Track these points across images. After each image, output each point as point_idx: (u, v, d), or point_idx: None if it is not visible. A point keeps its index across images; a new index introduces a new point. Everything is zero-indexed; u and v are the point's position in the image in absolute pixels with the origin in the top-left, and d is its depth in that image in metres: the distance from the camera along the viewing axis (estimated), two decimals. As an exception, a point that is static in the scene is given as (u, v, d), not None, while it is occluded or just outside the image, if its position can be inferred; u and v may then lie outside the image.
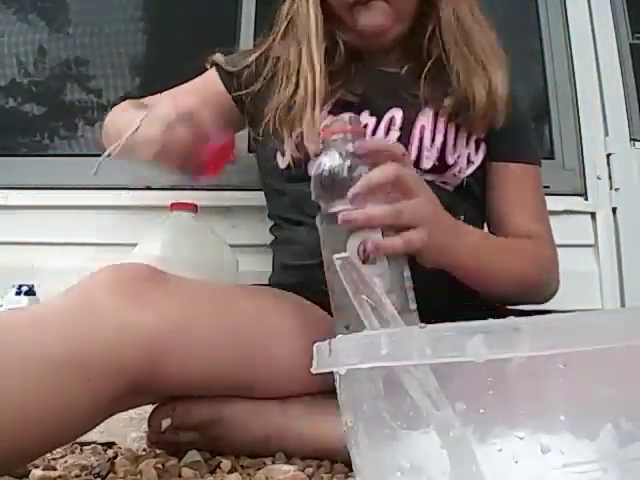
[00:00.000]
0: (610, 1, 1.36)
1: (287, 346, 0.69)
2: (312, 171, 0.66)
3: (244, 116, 0.96)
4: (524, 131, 0.95)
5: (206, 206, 1.11)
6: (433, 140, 0.84)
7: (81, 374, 0.53)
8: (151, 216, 1.12)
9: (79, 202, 1.22)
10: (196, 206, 1.05)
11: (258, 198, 1.18)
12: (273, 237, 0.99)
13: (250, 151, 1.26)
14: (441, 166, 0.84)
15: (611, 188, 1.27)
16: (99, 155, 1.41)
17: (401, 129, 0.85)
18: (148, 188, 1.24)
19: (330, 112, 0.84)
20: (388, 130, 0.85)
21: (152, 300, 0.60)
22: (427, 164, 0.84)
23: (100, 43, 1.41)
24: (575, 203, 1.25)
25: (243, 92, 0.93)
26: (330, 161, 0.63)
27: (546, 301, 0.87)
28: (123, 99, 1.42)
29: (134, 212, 1.20)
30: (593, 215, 1.25)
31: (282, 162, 0.87)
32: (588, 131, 1.30)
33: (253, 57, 0.93)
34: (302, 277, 0.84)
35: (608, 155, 1.28)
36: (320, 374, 0.36)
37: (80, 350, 0.53)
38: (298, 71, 0.85)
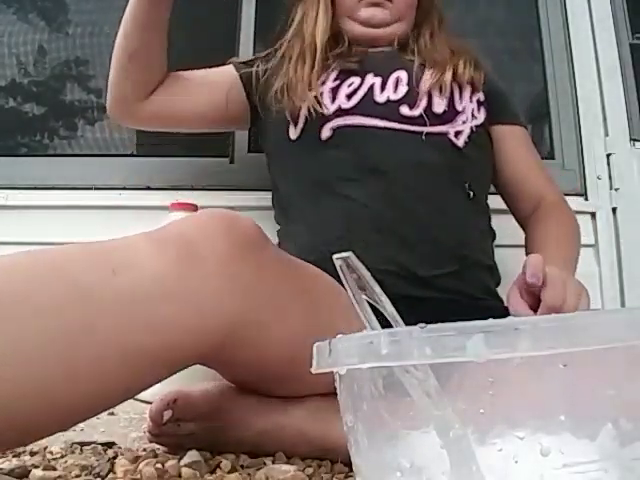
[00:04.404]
0: (610, 1, 1.36)
1: None
2: None
3: (253, 97, 1.02)
4: (511, 99, 1.06)
5: (206, 206, 1.11)
6: (441, 91, 0.92)
7: (161, 361, 0.50)
8: (151, 216, 1.12)
9: (79, 202, 1.23)
10: (196, 206, 1.06)
11: (258, 198, 1.19)
12: (279, 220, 1.01)
13: (250, 151, 1.26)
14: (451, 112, 0.92)
15: (611, 188, 1.27)
16: (99, 155, 1.41)
17: (408, 84, 0.93)
18: (148, 188, 1.24)
19: (336, 78, 0.94)
20: (396, 87, 0.93)
21: (249, 282, 0.55)
22: (439, 108, 0.91)
23: (100, 43, 1.41)
24: (575, 203, 1.25)
25: (255, 69, 1.02)
26: None
27: None
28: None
29: (134, 212, 1.20)
30: (593, 215, 1.25)
31: (294, 132, 0.93)
32: (588, 131, 1.30)
33: (266, 52, 1.05)
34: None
35: (608, 155, 1.29)
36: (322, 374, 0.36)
37: (165, 338, 0.49)
38: (304, 47, 0.97)
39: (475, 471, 0.30)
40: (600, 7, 1.36)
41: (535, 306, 0.69)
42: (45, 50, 1.43)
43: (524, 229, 0.99)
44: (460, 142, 0.91)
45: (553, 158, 1.30)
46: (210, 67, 1.05)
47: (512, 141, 1.00)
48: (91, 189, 1.24)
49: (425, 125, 0.89)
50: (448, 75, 0.93)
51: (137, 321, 0.48)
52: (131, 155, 1.37)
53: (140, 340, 0.48)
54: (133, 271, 0.49)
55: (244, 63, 1.06)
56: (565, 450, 0.30)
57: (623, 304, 1.21)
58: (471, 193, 0.91)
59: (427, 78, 0.93)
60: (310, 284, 0.68)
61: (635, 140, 1.29)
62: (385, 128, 0.89)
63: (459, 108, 0.93)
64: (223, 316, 0.53)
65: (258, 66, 1.02)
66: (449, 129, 0.91)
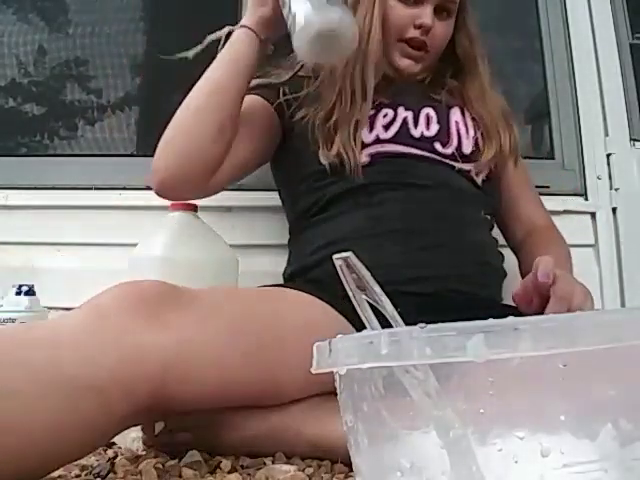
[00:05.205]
0: (610, 1, 1.36)
1: (304, 358, 0.70)
2: None
3: (284, 127, 1.00)
4: None
5: (206, 206, 1.11)
6: (467, 132, 0.99)
7: (96, 395, 0.52)
8: (151, 216, 1.12)
9: (79, 202, 1.22)
10: (196, 206, 1.05)
11: (258, 198, 1.19)
12: (299, 228, 0.99)
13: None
14: (477, 153, 0.98)
15: (611, 188, 1.27)
16: (99, 155, 1.41)
17: (439, 123, 0.97)
18: (148, 188, 1.24)
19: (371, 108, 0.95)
20: (428, 124, 0.97)
21: (166, 321, 0.59)
22: (467, 150, 0.97)
23: (100, 43, 1.41)
24: (575, 203, 1.25)
25: (284, 99, 0.98)
26: None
27: None
28: (123, 99, 1.42)
29: (134, 212, 1.20)
30: (593, 215, 1.25)
31: (325, 158, 0.93)
32: (588, 131, 1.30)
33: (288, 75, 0.99)
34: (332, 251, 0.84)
35: (608, 155, 1.28)
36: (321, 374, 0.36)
37: (96, 372, 0.53)
38: (353, 85, 0.94)
39: (475, 471, 0.30)
40: (600, 7, 1.35)
41: (543, 305, 0.72)
42: (45, 50, 1.43)
43: (517, 254, 1.03)
44: (479, 180, 0.98)
45: (553, 158, 1.30)
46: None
47: (512, 170, 1.07)
48: (91, 189, 1.24)
49: (457, 161, 0.96)
50: (469, 119, 1.00)
51: (75, 356, 0.53)
52: (131, 155, 1.37)
53: (74, 373, 0.52)
54: (54, 323, 0.58)
55: (266, 88, 0.99)
56: (565, 450, 0.30)
57: (623, 304, 1.21)
58: (488, 217, 0.98)
59: (454, 118, 0.98)
60: (249, 311, 0.70)
61: (635, 140, 1.29)
62: (422, 156, 0.94)
63: (482, 148, 1.00)
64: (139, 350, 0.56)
65: (285, 94, 0.99)
66: (472, 168, 0.97)
